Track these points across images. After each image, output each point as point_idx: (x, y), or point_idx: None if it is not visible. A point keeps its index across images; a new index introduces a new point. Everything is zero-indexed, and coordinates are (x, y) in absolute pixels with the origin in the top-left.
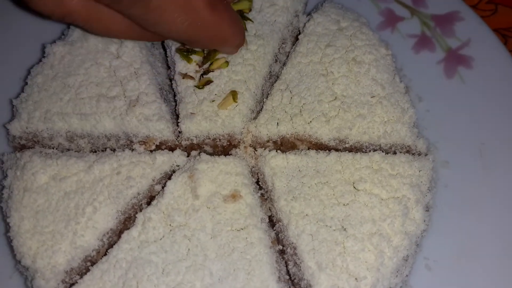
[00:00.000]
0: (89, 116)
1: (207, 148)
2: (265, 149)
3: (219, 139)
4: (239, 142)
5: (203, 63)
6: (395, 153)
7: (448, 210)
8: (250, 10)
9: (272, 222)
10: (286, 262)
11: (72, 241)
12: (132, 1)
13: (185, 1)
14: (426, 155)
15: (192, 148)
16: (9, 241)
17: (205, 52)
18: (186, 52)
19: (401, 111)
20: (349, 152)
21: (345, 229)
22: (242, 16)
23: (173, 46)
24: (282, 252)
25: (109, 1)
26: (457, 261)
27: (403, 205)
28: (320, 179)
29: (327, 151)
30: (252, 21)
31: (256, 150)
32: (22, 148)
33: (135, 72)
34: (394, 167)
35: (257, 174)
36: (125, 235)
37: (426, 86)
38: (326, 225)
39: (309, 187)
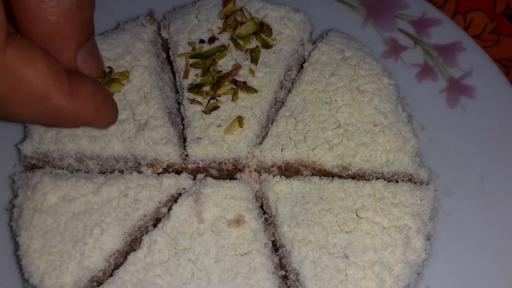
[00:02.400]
0: (99, 138)
1: (213, 172)
2: (269, 174)
3: (225, 163)
4: (244, 166)
5: (210, 91)
6: (397, 181)
7: (449, 239)
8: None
9: (275, 246)
10: None
11: (79, 262)
12: None
13: (31, 95)
14: (427, 184)
15: (198, 171)
16: (18, 260)
17: (214, 80)
18: (196, 88)
19: (403, 140)
20: (352, 179)
21: (347, 257)
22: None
23: (181, 72)
24: (285, 278)
25: None
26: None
27: (405, 234)
28: (323, 206)
29: (330, 177)
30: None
31: (261, 175)
32: (32, 167)
33: (144, 96)
34: (396, 196)
35: (261, 198)
36: (131, 257)
37: (429, 115)
38: (329, 252)
39: (312, 213)
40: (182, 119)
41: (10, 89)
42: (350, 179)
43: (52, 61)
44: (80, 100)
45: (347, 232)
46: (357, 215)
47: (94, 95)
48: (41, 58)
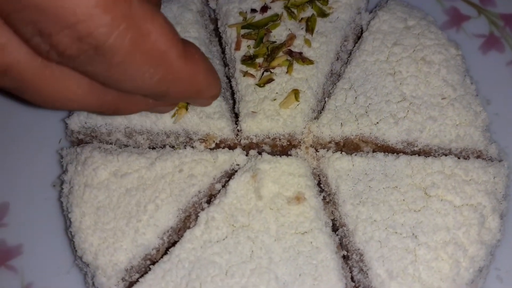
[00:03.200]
0: (150, 113)
1: (266, 148)
2: (327, 150)
3: (279, 139)
4: (300, 142)
5: (264, 63)
6: (466, 158)
7: None
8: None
9: (334, 226)
10: (350, 269)
11: (133, 239)
12: (90, 56)
13: (154, 53)
14: (499, 161)
15: (250, 147)
16: (70, 236)
17: (268, 51)
18: (250, 60)
19: (473, 114)
20: (418, 155)
21: (416, 237)
22: (323, 14)
23: (232, 43)
24: (345, 258)
25: (62, 57)
26: None
27: (479, 213)
28: (389, 184)
29: (395, 154)
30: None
31: (318, 151)
32: (79, 143)
33: None
34: (468, 173)
35: (318, 176)
36: (187, 234)
37: (494, 89)
38: (396, 232)
39: (377, 191)
40: (232, 94)
41: (134, 46)
42: (416, 155)
43: (168, 20)
44: (194, 63)
45: (415, 211)
46: (426, 193)
47: (205, 60)
48: (162, 14)
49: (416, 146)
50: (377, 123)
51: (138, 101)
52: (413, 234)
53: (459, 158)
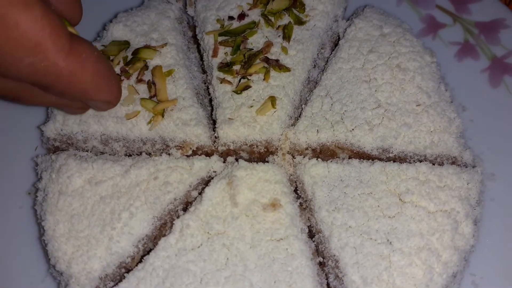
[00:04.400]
0: (125, 119)
1: (243, 155)
2: (304, 157)
3: (256, 146)
4: (277, 149)
5: (241, 70)
6: (440, 164)
7: (495, 225)
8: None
9: (311, 233)
10: (326, 275)
11: (107, 247)
12: None
13: (25, 43)
14: (473, 166)
15: (228, 154)
16: (43, 244)
17: (245, 58)
18: (227, 67)
19: (447, 121)
20: (393, 162)
21: (391, 243)
22: (300, 21)
23: (210, 50)
24: (321, 265)
25: None
26: (505, 278)
27: (452, 219)
28: (364, 190)
29: (371, 160)
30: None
31: (295, 158)
32: (55, 150)
33: (171, 76)
34: (442, 179)
35: (295, 182)
36: (162, 242)
37: (470, 95)
38: (371, 238)
39: (352, 197)
40: (210, 101)
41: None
42: (391, 162)
43: (51, 12)
44: (79, 61)
45: (390, 217)
46: (400, 199)
47: (96, 61)
48: (38, 6)
49: (391, 153)
50: (353, 129)
51: (38, 94)
52: (387, 240)
53: (433, 164)
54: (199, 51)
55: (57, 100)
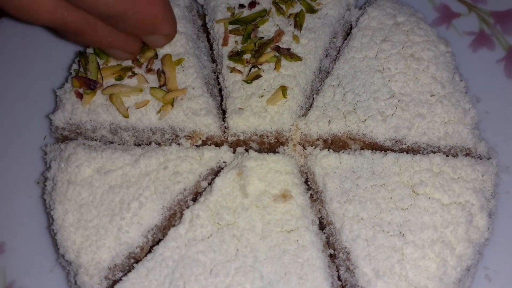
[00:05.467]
0: (135, 109)
1: (253, 145)
2: (315, 147)
3: (267, 136)
4: (287, 139)
5: (251, 59)
6: (454, 156)
7: (509, 218)
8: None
9: (321, 224)
10: (337, 267)
11: (116, 237)
12: None
13: None
14: (488, 158)
15: (238, 144)
16: (53, 234)
17: (255, 46)
18: (237, 55)
19: (462, 112)
20: (406, 153)
21: (403, 235)
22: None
23: (220, 39)
24: (332, 257)
25: None
26: None
27: (467, 211)
28: (376, 181)
29: (383, 151)
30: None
31: (305, 149)
32: (64, 139)
33: (181, 64)
34: (456, 171)
35: (306, 173)
36: (171, 232)
37: (484, 86)
38: (383, 230)
39: (364, 189)
40: (219, 90)
41: None
42: (404, 153)
43: None
44: None
45: (403, 209)
46: (413, 191)
47: None
48: None
49: (405, 144)
50: (365, 120)
51: (100, 29)
52: (400, 232)
53: (447, 156)
54: (208, 40)
55: (114, 40)
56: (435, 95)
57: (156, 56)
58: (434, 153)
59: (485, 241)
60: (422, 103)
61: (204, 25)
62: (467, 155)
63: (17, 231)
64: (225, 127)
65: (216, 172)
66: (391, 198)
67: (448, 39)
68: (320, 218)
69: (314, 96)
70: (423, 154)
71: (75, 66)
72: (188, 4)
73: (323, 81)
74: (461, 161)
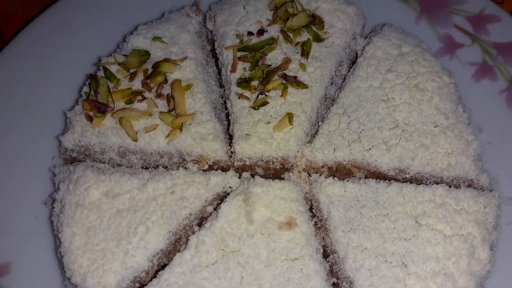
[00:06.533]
0: (143, 132)
1: (259, 170)
2: (320, 175)
3: (272, 162)
4: (292, 166)
5: (259, 85)
6: (457, 187)
7: (511, 250)
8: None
9: (325, 253)
10: None
11: (123, 261)
12: None
13: None
14: (491, 190)
15: (243, 170)
16: (59, 256)
17: (263, 74)
18: (245, 82)
19: (465, 143)
20: (409, 183)
21: (406, 266)
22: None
23: (229, 65)
24: (335, 285)
25: None
26: None
27: (469, 243)
28: (380, 211)
29: (387, 181)
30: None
31: (310, 175)
32: (72, 160)
33: (190, 90)
34: (459, 202)
35: (310, 200)
36: (177, 258)
37: (487, 117)
38: (386, 261)
39: (368, 218)
40: (227, 115)
41: None
42: (408, 183)
43: None
44: None
45: (406, 239)
46: (417, 221)
47: None
48: None
49: (408, 174)
50: (370, 149)
51: None
52: (403, 263)
53: (450, 186)
54: (217, 65)
55: None
56: (438, 126)
57: (166, 81)
58: (437, 183)
59: (487, 273)
60: (425, 134)
61: (213, 50)
62: (469, 186)
63: (23, 252)
64: (232, 152)
65: (222, 197)
66: (394, 228)
67: (451, 69)
68: (324, 246)
69: (320, 123)
70: (426, 185)
71: (85, 89)
72: (197, 30)
73: (329, 108)
74: (463, 193)
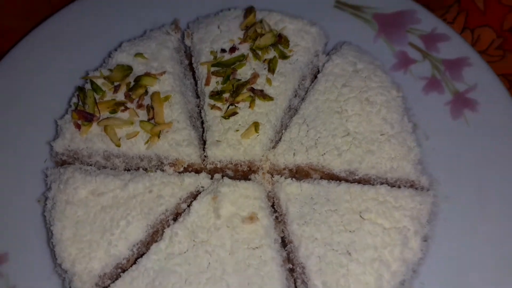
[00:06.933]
0: (125, 139)
1: (229, 172)
2: (281, 176)
3: (240, 165)
4: (258, 168)
5: (230, 98)
6: (399, 187)
7: (446, 241)
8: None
9: (284, 242)
10: (295, 280)
11: (106, 250)
12: None
13: None
14: (428, 190)
15: (215, 171)
16: (51, 246)
17: (233, 87)
18: (217, 95)
19: (407, 149)
20: (358, 183)
21: (350, 254)
22: (284, 56)
23: (203, 79)
24: (291, 271)
25: None
26: (450, 285)
27: (403, 235)
28: (330, 207)
29: (338, 181)
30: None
31: (273, 177)
32: (63, 163)
33: (168, 101)
34: (398, 200)
35: (272, 198)
36: (153, 247)
37: (433, 126)
38: (333, 249)
39: (319, 213)
40: (202, 123)
41: None
42: (356, 183)
43: None
44: None
45: (351, 231)
46: (360, 216)
47: None
48: None
49: (357, 175)
50: (324, 154)
51: None
52: (347, 251)
53: (393, 187)
54: (194, 78)
55: None
56: (384, 134)
57: (146, 93)
58: (382, 184)
59: (419, 260)
60: (373, 141)
61: (191, 63)
62: (411, 186)
63: (19, 243)
64: (205, 156)
65: (194, 196)
66: (341, 221)
67: (404, 82)
68: (283, 238)
69: (283, 131)
70: (373, 185)
71: (74, 100)
72: (176, 46)
73: (291, 118)
74: (402, 192)
